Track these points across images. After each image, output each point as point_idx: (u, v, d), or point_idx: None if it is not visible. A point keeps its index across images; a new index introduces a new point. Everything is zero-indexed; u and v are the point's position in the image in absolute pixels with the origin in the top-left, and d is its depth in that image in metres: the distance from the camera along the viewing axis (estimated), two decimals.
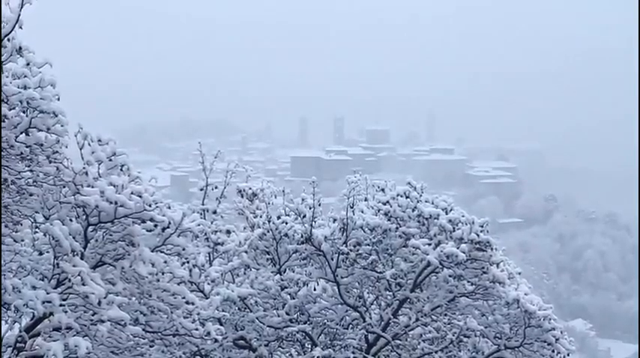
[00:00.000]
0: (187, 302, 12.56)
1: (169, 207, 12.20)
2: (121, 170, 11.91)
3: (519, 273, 16.32)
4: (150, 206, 11.56)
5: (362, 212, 15.80)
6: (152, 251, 12.03)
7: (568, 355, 15.61)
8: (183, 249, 12.41)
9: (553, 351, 15.50)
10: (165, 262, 12.21)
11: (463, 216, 15.01)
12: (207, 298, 14.86)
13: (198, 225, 12.65)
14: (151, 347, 13.57)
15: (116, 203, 11.29)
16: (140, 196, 11.50)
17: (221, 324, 15.06)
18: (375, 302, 16.84)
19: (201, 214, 16.56)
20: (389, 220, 15.38)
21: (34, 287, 10.78)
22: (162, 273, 12.17)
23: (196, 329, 12.71)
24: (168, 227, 11.90)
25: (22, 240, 12.45)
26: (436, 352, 16.31)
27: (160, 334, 12.84)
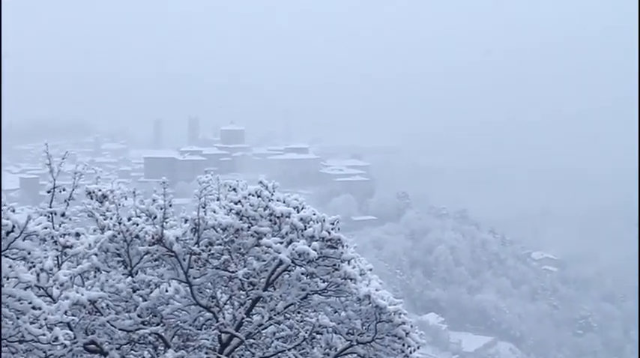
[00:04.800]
0: (34, 308, 12.23)
1: (13, 210, 11.87)
2: None
3: (370, 270, 16.61)
4: None
5: (214, 212, 15.76)
6: None
7: (418, 348, 16.03)
8: (29, 253, 12.10)
9: (403, 345, 15.90)
10: (10, 267, 11.88)
11: (314, 215, 15.17)
12: (55, 302, 14.50)
13: (45, 228, 12.37)
14: None
15: None
16: None
17: (70, 329, 14.73)
18: (228, 301, 16.81)
19: (48, 217, 16.14)
20: (241, 219, 15.40)
21: None
22: (7, 278, 11.84)
23: (44, 335, 12.38)
24: (12, 231, 11.58)
25: None
26: (289, 350, 16.42)
27: (5, 341, 12.46)
